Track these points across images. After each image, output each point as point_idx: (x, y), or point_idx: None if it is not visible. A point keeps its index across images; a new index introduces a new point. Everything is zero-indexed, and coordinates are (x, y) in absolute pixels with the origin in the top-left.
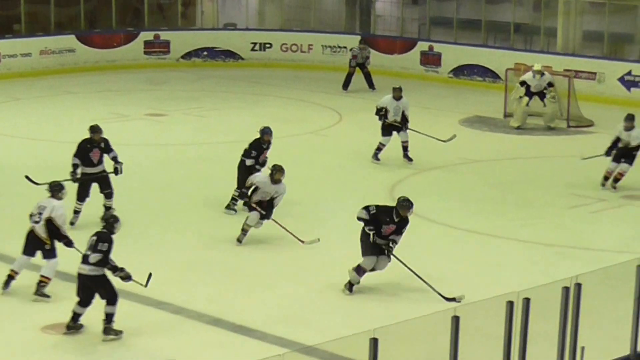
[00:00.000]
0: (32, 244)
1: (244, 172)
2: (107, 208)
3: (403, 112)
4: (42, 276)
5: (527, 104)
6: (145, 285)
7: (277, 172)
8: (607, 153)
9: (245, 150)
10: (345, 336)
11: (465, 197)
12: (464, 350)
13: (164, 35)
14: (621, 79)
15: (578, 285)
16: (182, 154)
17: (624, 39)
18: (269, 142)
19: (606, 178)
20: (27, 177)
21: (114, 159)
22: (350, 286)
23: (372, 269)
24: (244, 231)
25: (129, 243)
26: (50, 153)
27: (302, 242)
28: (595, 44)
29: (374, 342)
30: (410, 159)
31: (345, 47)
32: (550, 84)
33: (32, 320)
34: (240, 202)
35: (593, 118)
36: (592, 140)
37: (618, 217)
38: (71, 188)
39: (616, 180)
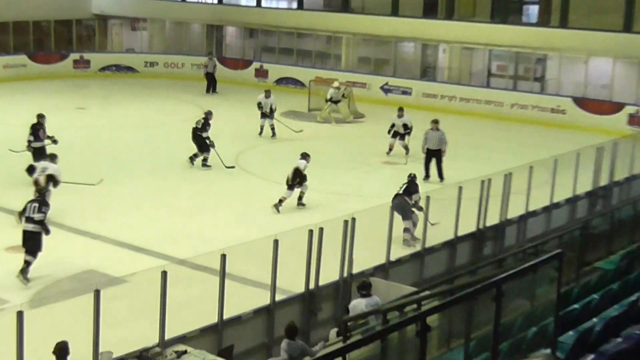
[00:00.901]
0: None
1: (200, 140)
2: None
3: (271, 106)
4: None
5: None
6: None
7: None
8: (389, 132)
9: (202, 125)
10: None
11: (285, 163)
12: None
13: (87, 56)
14: (382, 87)
15: (353, 219)
16: (98, 133)
17: (383, 62)
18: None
19: (390, 149)
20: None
21: (51, 137)
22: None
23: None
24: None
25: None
26: (6, 131)
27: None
28: (366, 65)
29: (223, 257)
30: (274, 133)
31: (206, 66)
32: (344, 95)
33: None
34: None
35: (365, 112)
36: (365, 126)
37: (378, 176)
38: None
39: (391, 149)
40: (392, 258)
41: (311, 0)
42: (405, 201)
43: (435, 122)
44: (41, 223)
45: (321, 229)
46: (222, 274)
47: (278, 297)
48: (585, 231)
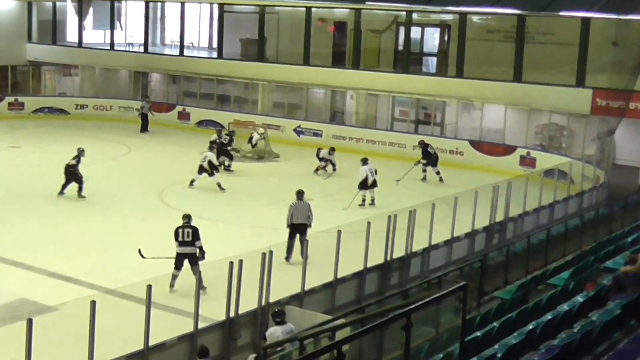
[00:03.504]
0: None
1: (227, 154)
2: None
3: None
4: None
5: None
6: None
7: None
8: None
9: (229, 141)
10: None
11: (207, 198)
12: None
13: (21, 99)
14: (295, 130)
15: (271, 252)
16: (31, 170)
17: (296, 106)
18: None
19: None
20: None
21: None
22: None
23: None
24: None
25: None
26: None
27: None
28: (280, 109)
29: (149, 287)
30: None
31: (132, 108)
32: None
33: None
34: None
35: (279, 152)
36: (277, 165)
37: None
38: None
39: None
40: (306, 287)
41: (229, 50)
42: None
43: (301, 192)
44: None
45: (241, 261)
46: (148, 303)
47: (200, 325)
48: (484, 263)
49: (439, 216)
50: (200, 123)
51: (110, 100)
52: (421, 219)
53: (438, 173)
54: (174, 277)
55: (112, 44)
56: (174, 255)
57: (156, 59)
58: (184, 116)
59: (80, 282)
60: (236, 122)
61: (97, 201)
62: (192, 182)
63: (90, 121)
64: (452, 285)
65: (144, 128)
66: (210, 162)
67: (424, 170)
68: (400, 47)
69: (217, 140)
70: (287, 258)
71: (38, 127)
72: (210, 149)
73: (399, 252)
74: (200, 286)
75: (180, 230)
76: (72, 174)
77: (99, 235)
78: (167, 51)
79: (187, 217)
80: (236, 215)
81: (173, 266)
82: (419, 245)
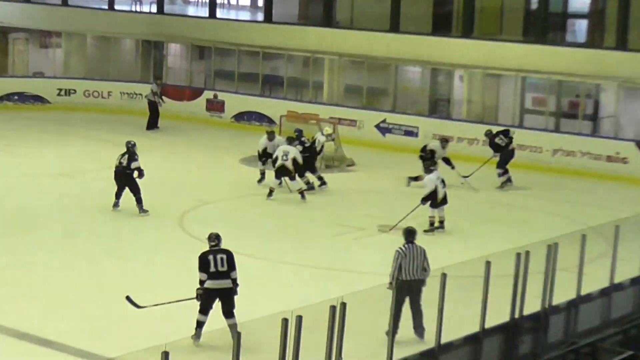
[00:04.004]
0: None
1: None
2: None
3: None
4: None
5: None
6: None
7: None
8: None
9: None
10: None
11: (245, 226)
12: None
13: None
14: (377, 126)
15: (343, 305)
16: None
17: (379, 92)
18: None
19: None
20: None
21: None
22: None
23: None
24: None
25: None
26: None
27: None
28: (355, 96)
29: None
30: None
31: (140, 94)
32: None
33: None
34: None
35: (354, 159)
36: (352, 177)
37: (375, 244)
38: None
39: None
40: (395, 358)
41: (282, 11)
42: None
43: (411, 232)
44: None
45: (299, 318)
46: None
47: None
48: None
49: (592, 254)
50: (238, 116)
51: (109, 84)
52: (565, 258)
53: (502, 174)
54: (200, 324)
55: (111, 2)
56: (186, 296)
57: (175, 23)
58: (215, 106)
59: (64, 347)
60: (291, 115)
61: (86, 229)
62: (270, 192)
63: (79, 113)
64: (614, 357)
65: (152, 123)
66: (295, 160)
67: (501, 174)
68: (534, 6)
69: (304, 140)
70: (392, 333)
71: (4, 122)
72: (290, 142)
73: (531, 306)
74: (237, 346)
75: (211, 257)
76: (125, 177)
77: (90, 280)
78: (191, 12)
79: (215, 238)
80: (292, 250)
81: (197, 308)
82: (561, 296)
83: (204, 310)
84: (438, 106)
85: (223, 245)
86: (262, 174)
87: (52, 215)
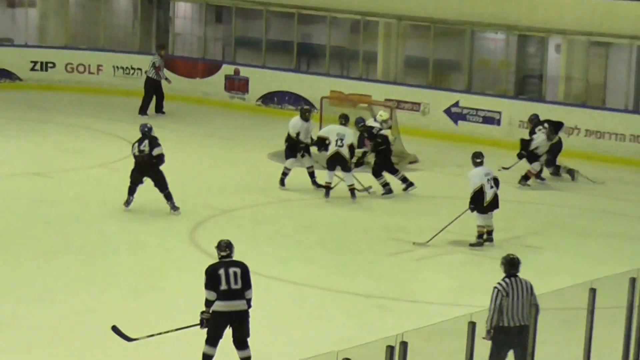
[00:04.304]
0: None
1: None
2: None
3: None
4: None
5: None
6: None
7: None
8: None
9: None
10: None
11: (276, 241)
12: None
13: None
14: (447, 111)
15: (404, 344)
16: None
17: (450, 66)
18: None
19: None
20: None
21: None
22: None
23: None
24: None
25: None
26: None
27: None
28: (419, 72)
29: None
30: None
31: (140, 69)
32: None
33: None
34: None
35: (417, 153)
36: (414, 178)
37: (443, 265)
38: None
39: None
40: None
41: None
42: None
43: (515, 262)
44: None
45: None
46: None
47: None
48: None
49: None
50: (266, 98)
51: (98, 55)
52: None
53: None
54: (208, 358)
55: None
56: (187, 323)
57: None
58: (236, 85)
59: None
60: (334, 95)
61: (73, 244)
62: (327, 191)
63: (59, 93)
64: None
65: (148, 105)
66: (351, 147)
67: (557, 172)
68: None
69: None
70: None
71: None
72: (344, 120)
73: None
74: None
75: (222, 272)
76: (151, 168)
77: (73, 315)
78: None
79: (227, 247)
80: (335, 273)
81: (205, 337)
82: None
83: (212, 340)
84: (527, 85)
85: (252, 263)
86: (285, 173)
87: (24, 229)
